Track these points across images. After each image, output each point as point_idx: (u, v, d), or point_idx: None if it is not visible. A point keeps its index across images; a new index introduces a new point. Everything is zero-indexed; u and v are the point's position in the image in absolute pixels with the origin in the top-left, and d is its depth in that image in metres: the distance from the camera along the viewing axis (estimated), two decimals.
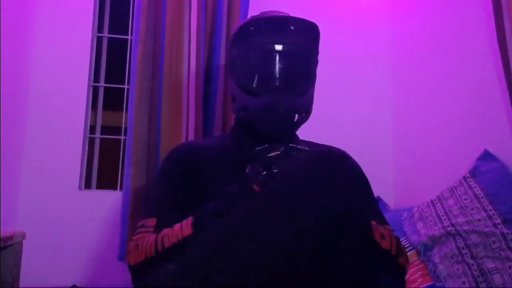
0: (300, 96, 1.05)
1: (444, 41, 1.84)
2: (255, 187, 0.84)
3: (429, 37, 1.95)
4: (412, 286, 1.38)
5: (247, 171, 0.87)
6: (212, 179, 1.02)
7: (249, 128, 1.08)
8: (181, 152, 1.10)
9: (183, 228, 0.88)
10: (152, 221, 0.96)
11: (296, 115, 1.05)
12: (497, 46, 1.45)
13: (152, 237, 0.91)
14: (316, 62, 1.14)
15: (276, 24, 1.06)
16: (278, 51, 1.04)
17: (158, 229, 0.93)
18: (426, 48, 1.97)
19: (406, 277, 1.01)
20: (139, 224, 0.98)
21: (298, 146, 0.86)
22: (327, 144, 1.17)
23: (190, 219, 0.89)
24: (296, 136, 1.17)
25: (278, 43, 1.04)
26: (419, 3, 2.06)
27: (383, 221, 1.05)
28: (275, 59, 1.04)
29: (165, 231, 0.90)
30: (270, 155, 0.84)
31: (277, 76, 1.03)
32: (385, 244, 0.93)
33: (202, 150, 1.09)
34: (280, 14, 1.08)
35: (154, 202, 1.03)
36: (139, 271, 0.89)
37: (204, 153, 1.08)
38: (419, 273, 1.41)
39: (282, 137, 1.07)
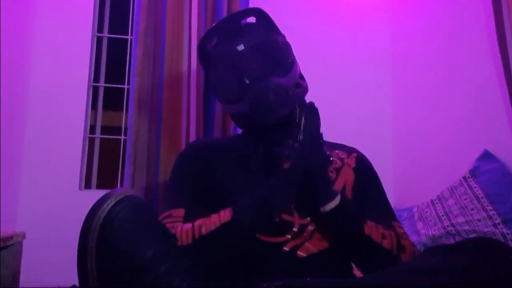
0: (284, 75, 1.04)
1: (444, 41, 1.84)
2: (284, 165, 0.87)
3: (429, 37, 1.95)
4: None
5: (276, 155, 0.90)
6: (226, 176, 1.02)
7: (256, 128, 1.08)
8: (197, 147, 1.11)
9: (221, 216, 0.88)
10: (180, 211, 0.96)
11: (288, 92, 1.03)
12: (497, 46, 1.45)
13: (188, 225, 0.90)
14: (286, 44, 1.12)
15: (223, 29, 1.09)
16: (241, 51, 1.04)
17: (187, 219, 0.94)
18: (426, 48, 1.97)
19: None
20: (165, 214, 0.97)
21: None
22: (336, 142, 1.16)
23: (228, 209, 0.89)
24: None
25: (237, 45, 1.04)
26: (419, 3, 2.06)
27: (392, 217, 1.04)
28: (242, 59, 1.03)
29: (201, 220, 0.90)
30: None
31: (251, 70, 1.02)
32: (386, 244, 0.93)
33: (217, 148, 1.09)
34: (221, 19, 1.12)
35: (178, 192, 1.02)
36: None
37: (219, 150, 1.08)
38: None
39: (285, 117, 1.03)
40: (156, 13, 1.85)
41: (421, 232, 1.51)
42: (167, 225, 0.93)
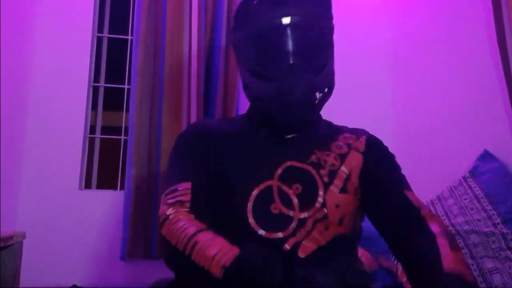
0: (319, 71, 0.93)
1: (444, 41, 1.84)
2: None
3: (428, 37, 1.95)
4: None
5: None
6: (228, 160, 0.95)
7: (266, 116, 0.98)
8: (199, 127, 1.03)
9: (216, 261, 0.78)
10: (187, 185, 0.90)
11: (317, 94, 0.93)
12: (497, 46, 1.45)
13: (191, 228, 0.82)
14: (330, 28, 1.00)
15: None
16: (286, 25, 0.91)
17: (195, 192, 0.89)
18: (426, 48, 1.97)
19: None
20: (170, 189, 0.90)
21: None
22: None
23: (230, 252, 0.78)
24: (320, 117, 1.08)
25: (285, 16, 0.90)
26: (418, 2, 2.06)
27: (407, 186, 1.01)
28: (284, 35, 0.91)
29: (202, 238, 0.81)
30: None
31: (289, 53, 0.90)
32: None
33: (219, 130, 1.01)
34: None
35: (184, 166, 0.94)
36: (168, 251, 0.85)
37: (221, 133, 1.00)
38: None
39: (305, 123, 0.99)
40: (156, 13, 1.86)
41: None
42: (172, 200, 0.88)
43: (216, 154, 0.96)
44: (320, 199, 0.90)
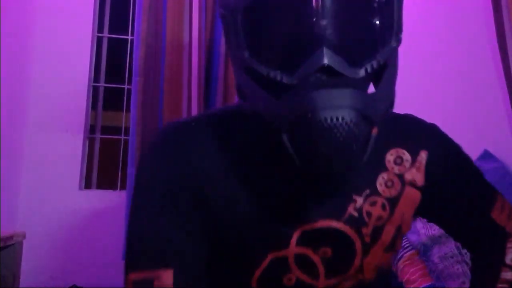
0: (375, 78, 0.58)
1: (444, 40, 1.84)
2: None
3: (428, 37, 1.95)
4: (412, 286, 1.38)
5: None
6: (224, 200, 0.62)
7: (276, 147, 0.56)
8: (178, 145, 0.63)
9: None
10: (167, 276, 0.57)
11: (370, 123, 0.53)
12: (497, 46, 1.45)
13: None
14: (400, 3, 0.57)
15: None
16: (316, 2, 0.51)
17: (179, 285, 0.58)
18: (426, 48, 1.97)
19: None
20: (142, 276, 0.58)
21: None
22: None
23: None
24: None
25: None
26: (417, 2, 2.05)
27: (490, 206, 0.73)
28: (313, 9, 0.51)
29: None
30: None
31: (322, 43, 0.50)
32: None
33: (206, 143, 0.64)
34: None
35: (158, 230, 0.60)
36: None
37: (209, 151, 0.63)
38: (419, 273, 1.41)
39: (342, 173, 0.58)
40: (157, 13, 1.86)
41: (421, 232, 1.51)
42: None
43: (202, 186, 0.62)
44: (356, 265, 0.65)
